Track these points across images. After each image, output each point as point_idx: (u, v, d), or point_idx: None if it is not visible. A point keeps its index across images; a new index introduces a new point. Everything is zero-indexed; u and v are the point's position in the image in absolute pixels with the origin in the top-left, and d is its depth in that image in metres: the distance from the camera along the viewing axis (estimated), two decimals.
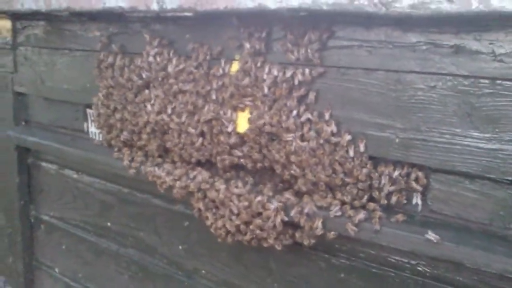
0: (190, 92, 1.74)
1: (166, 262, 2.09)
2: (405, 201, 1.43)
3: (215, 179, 1.70)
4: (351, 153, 1.45)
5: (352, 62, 1.42)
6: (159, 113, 1.83)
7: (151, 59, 1.84)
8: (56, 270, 2.59)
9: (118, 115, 1.98)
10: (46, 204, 2.57)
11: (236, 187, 1.64)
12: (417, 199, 1.41)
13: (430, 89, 1.30)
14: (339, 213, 1.47)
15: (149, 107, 1.86)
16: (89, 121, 2.23)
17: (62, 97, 2.27)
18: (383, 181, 1.43)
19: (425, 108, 1.32)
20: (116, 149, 2.05)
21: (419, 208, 1.41)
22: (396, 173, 1.41)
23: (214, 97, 1.69)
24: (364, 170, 1.43)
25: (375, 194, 1.45)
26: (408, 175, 1.40)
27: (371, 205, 1.45)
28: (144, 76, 1.87)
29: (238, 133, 1.66)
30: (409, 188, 1.40)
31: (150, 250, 2.14)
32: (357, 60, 1.41)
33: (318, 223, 1.47)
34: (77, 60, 2.17)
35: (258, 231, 1.57)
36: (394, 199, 1.43)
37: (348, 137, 1.45)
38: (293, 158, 1.53)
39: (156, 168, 1.84)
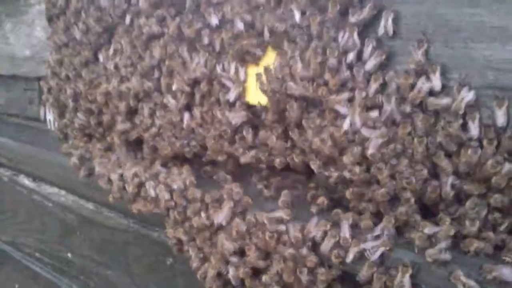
0: (169, 36, 1.02)
1: None
2: None
3: (205, 189, 0.94)
4: (474, 129, 0.69)
5: None
6: (123, 78, 1.12)
7: None
8: None
9: (70, 88, 1.29)
10: None
11: (240, 201, 0.89)
12: None
13: None
14: (446, 257, 0.69)
15: (110, 69, 1.15)
16: (47, 105, 1.55)
17: (10, 69, 1.60)
18: None
19: None
20: (70, 141, 1.35)
21: None
22: None
23: (206, 41, 0.97)
24: (507, 167, 0.66)
25: None
26: None
27: None
28: (105, 20, 1.17)
29: (247, 104, 0.93)
30: None
31: None
32: None
33: (403, 277, 0.70)
34: (29, 13, 1.51)
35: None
36: None
37: (467, 95, 0.69)
38: (346, 143, 0.77)
39: (112, 168, 1.10)
